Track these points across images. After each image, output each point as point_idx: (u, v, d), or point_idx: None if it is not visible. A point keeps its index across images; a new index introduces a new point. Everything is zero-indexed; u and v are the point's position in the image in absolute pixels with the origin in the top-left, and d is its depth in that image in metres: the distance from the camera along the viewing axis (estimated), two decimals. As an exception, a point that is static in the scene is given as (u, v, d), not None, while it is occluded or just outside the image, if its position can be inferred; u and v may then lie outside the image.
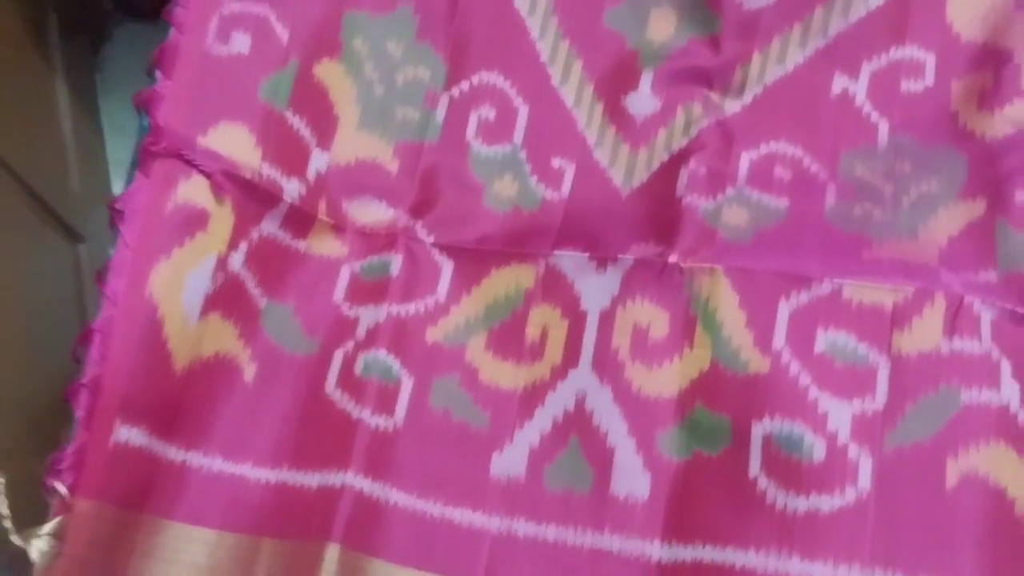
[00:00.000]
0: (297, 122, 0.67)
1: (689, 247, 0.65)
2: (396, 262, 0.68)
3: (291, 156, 0.67)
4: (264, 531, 0.61)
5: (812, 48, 0.68)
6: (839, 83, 0.67)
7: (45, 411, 0.85)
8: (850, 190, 0.65)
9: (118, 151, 1.18)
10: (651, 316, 0.64)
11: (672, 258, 0.65)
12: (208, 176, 0.62)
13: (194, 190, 0.62)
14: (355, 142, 0.70)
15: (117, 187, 1.16)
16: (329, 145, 0.69)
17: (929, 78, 0.66)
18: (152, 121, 0.61)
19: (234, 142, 0.64)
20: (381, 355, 0.65)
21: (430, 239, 0.69)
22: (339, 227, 0.68)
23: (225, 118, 0.64)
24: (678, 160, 0.68)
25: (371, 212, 0.69)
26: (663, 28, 0.70)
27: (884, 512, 0.57)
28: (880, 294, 0.62)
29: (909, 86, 0.66)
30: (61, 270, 0.99)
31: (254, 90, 0.65)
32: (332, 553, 0.59)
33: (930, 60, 0.66)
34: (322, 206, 0.68)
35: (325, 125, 0.69)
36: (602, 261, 0.66)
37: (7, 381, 0.83)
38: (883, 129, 0.66)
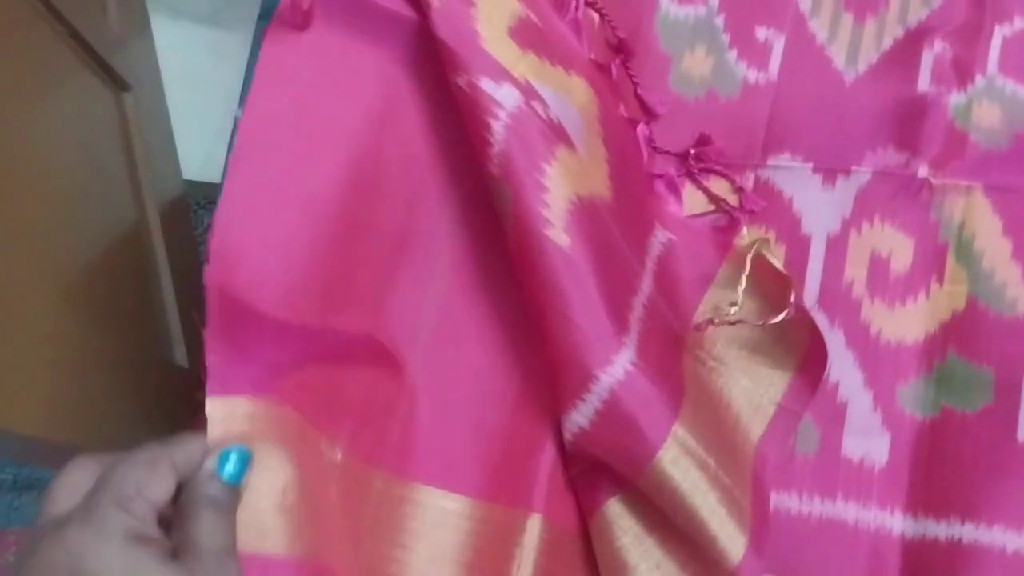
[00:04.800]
0: None
1: (938, 156, 0.57)
2: None
3: None
4: None
5: None
6: None
7: (91, 265, 0.82)
8: None
9: None
10: (892, 243, 0.56)
11: (921, 171, 0.56)
12: None
13: None
14: None
15: (157, 27, 1.10)
16: None
17: None
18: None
19: None
20: None
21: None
22: None
23: None
24: (917, 38, 0.59)
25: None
26: None
27: None
28: None
29: None
30: (107, 120, 0.95)
31: None
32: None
33: None
34: None
35: None
36: (830, 173, 0.58)
37: (51, 237, 0.80)
38: None
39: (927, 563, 0.52)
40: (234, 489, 0.37)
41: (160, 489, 0.35)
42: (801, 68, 0.60)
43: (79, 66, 0.90)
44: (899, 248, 0.56)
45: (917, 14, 0.60)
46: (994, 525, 0.51)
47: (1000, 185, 0.56)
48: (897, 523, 0.54)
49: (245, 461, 0.37)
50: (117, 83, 0.97)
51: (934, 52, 0.58)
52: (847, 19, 0.61)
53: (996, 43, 0.59)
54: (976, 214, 0.56)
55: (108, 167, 0.94)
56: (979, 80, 0.58)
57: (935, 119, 0.57)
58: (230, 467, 0.37)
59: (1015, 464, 0.52)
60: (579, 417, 0.49)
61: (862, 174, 0.57)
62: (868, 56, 0.60)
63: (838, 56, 0.60)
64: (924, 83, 0.58)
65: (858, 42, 0.60)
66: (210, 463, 0.36)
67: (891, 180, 0.57)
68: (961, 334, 0.55)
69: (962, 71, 0.58)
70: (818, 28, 0.61)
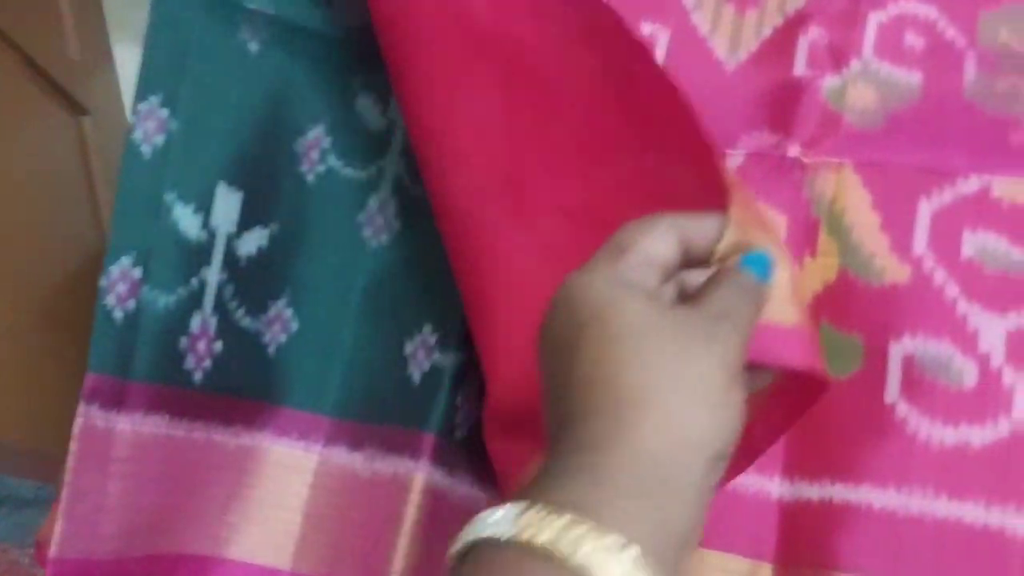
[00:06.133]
0: None
1: (811, 136, 0.59)
2: None
3: None
4: None
5: None
6: None
7: (53, 289, 0.88)
8: (992, 60, 0.60)
9: (116, 10, 1.15)
10: None
11: (792, 151, 0.59)
12: None
13: None
14: None
15: (123, 53, 1.15)
16: None
17: None
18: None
19: None
20: None
21: None
22: None
23: None
24: (794, 25, 0.62)
25: None
26: None
27: None
28: None
29: None
30: (65, 145, 1.00)
31: None
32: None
33: None
34: None
35: None
36: None
37: (13, 259, 0.84)
38: None
39: (801, 523, 0.55)
40: (760, 285, 0.39)
41: (658, 246, 0.38)
42: (685, 60, 0.63)
43: (36, 92, 0.94)
44: (772, 224, 0.59)
45: (795, 3, 0.63)
46: (861, 484, 0.54)
47: (870, 161, 0.58)
48: (775, 487, 0.56)
49: (769, 266, 0.40)
50: (75, 108, 1.02)
51: (809, 38, 0.61)
52: (728, 11, 0.64)
53: (871, 28, 0.62)
54: (846, 189, 0.58)
55: (68, 188, 0.98)
56: (854, 63, 0.61)
57: (809, 102, 0.60)
58: (758, 267, 0.40)
59: (882, 426, 0.54)
60: None
61: (737, 156, 0.60)
62: (748, 45, 0.63)
63: (720, 46, 0.63)
64: (800, 68, 0.61)
65: (739, 32, 0.63)
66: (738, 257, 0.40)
67: (764, 161, 0.60)
68: (832, 304, 0.57)
69: (837, 55, 0.61)
70: (701, 21, 0.64)
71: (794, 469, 0.56)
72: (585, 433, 0.33)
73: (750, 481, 0.56)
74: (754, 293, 0.39)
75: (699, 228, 0.40)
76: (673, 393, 0.34)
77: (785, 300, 0.40)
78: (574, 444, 0.33)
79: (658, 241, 0.38)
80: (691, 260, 0.40)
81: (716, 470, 0.34)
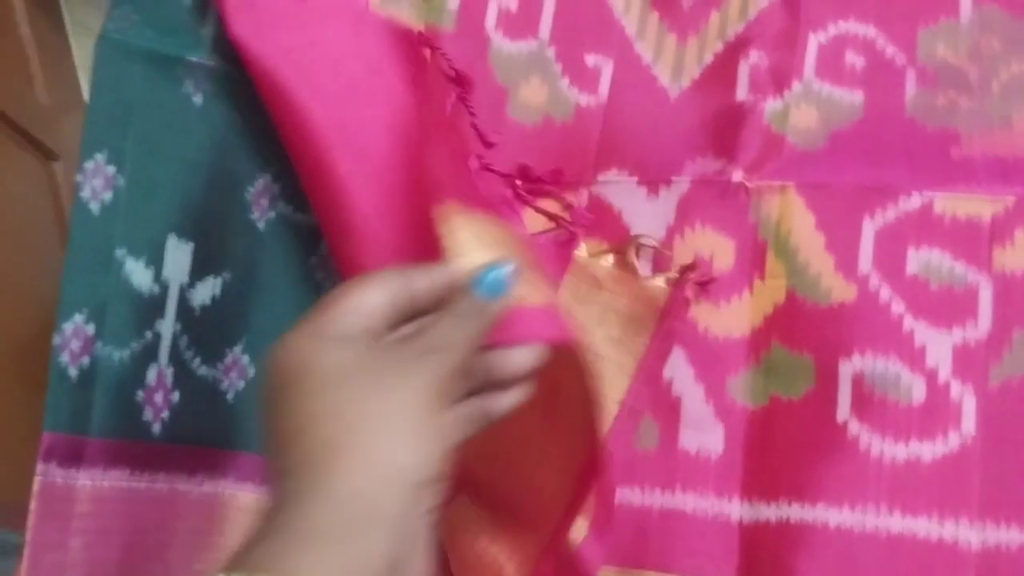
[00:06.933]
0: None
1: (754, 160, 0.60)
2: None
3: None
4: None
5: None
6: None
7: (27, 338, 0.88)
8: (931, 75, 0.61)
9: (86, 55, 1.16)
10: (714, 245, 0.60)
11: (735, 176, 0.60)
12: None
13: None
14: None
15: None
16: None
17: None
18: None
19: None
20: None
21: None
22: None
23: None
24: (735, 50, 0.63)
25: None
26: None
27: (992, 457, 0.54)
28: (976, 205, 0.57)
29: None
30: (36, 191, 1.00)
31: None
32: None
33: None
34: None
35: None
36: (653, 185, 0.61)
37: None
38: (966, 0, 0.61)
39: (761, 544, 0.56)
40: (487, 304, 0.40)
41: (367, 296, 0.39)
42: (629, 89, 0.64)
43: (3, 139, 0.94)
44: (721, 250, 0.60)
45: (735, 27, 0.64)
46: (817, 503, 0.54)
47: (813, 182, 0.59)
48: (735, 509, 0.57)
49: (505, 280, 0.41)
50: (45, 153, 1.02)
51: (750, 62, 0.62)
52: (671, 40, 0.65)
53: (811, 49, 0.63)
54: (791, 211, 0.59)
55: (40, 235, 0.99)
56: (796, 85, 0.62)
57: (752, 125, 0.61)
58: (489, 284, 0.40)
59: (835, 444, 0.55)
60: None
61: (682, 183, 0.61)
62: (691, 72, 0.64)
63: (663, 74, 0.64)
64: (742, 92, 0.62)
65: (681, 60, 0.64)
66: (467, 279, 0.41)
67: (709, 187, 0.60)
68: (783, 325, 0.58)
69: (779, 78, 0.62)
70: (644, 50, 0.65)
71: (752, 491, 0.57)
72: (287, 490, 0.34)
73: (710, 504, 0.57)
74: (479, 315, 0.40)
75: (421, 277, 0.41)
76: (370, 430, 0.35)
77: (532, 285, 0.43)
78: (278, 503, 0.34)
79: (366, 292, 0.39)
80: (421, 308, 0.41)
81: (424, 496, 0.36)
